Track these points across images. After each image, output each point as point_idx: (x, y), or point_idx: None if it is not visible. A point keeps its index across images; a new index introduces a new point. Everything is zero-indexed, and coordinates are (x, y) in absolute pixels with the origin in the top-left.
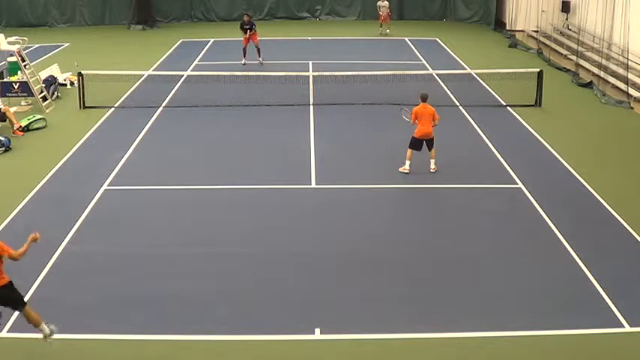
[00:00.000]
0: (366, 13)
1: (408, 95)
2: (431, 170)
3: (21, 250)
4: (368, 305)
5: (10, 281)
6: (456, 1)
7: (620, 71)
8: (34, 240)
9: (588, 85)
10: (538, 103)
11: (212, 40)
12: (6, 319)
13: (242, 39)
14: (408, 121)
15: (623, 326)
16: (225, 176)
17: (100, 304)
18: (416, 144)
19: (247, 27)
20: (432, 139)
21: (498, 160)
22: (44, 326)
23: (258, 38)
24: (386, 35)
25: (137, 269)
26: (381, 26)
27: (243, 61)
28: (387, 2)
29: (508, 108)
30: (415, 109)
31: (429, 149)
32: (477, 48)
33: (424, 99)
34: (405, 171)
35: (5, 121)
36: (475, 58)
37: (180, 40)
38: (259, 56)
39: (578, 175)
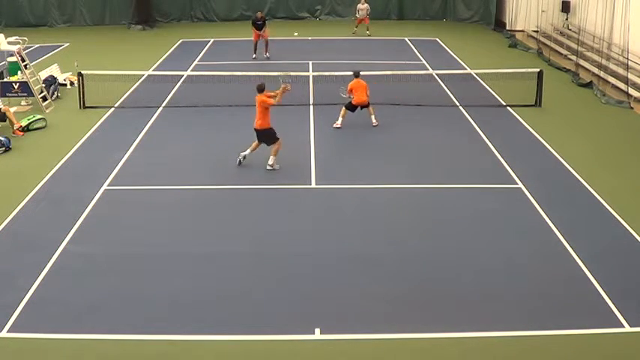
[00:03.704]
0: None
1: (408, 95)
2: (373, 125)
3: (277, 98)
4: (368, 305)
5: (271, 127)
6: (456, 1)
7: (620, 71)
8: (285, 91)
9: (588, 85)
10: (538, 103)
11: (212, 40)
12: None
13: (252, 34)
14: (345, 95)
15: (623, 326)
16: (225, 176)
17: (100, 304)
18: (352, 108)
19: (259, 23)
20: (367, 104)
21: (498, 160)
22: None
23: (268, 35)
24: (368, 36)
25: (137, 269)
26: (356, 27)
27: (253, 56)
28: (367, 5)
29: (508, 108)
30: (350, 84)
31: (363, 108)
32: (477, 48)
33: (357, 75)
34: (338, 126)
35: (5, 121)
36: (475, 58)
37: (180, 40)
38: (266, 51)
39: (578, 175)
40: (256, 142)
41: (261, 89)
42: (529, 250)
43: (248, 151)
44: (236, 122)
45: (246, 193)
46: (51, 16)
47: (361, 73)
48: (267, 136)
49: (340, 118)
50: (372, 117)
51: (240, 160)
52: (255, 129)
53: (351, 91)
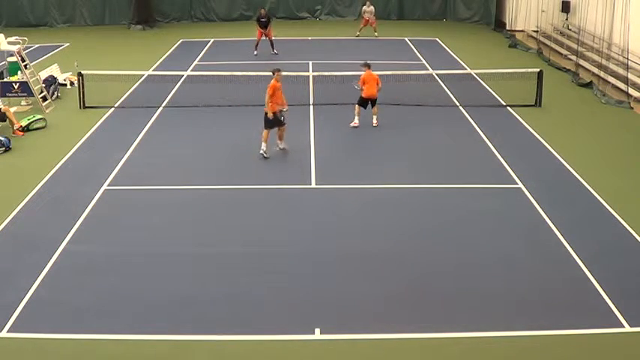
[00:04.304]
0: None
1: (408, 95)
2: (373, 125)
3: (269, 104)
4: (368, 305)
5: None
6: (456, 1)
7: (620, 71)
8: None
9: (588, 85)
10: (538, 103)
11: (212, 40)
12: None
13: (257, 32)
14: (358, 88)
15: (623, 326)
16: (225, 176)
17: (100, 304)
18: (363, 103)
19: (264, 20)
20: (376, 99)
21: (498, 160)
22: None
23: (272, 34)
24: (376, 37)
25: (137, 269)
26: (360, 30)
27: (255, 52)
28: (372, 7)
29: (508, 108)
30: (362, 76)
31: (372, 107)
32: (477, 48)
33: (369, 66)
34: (356, 125)
35: (5, 121)
36: (475, 58)
37: (180, 40)
38: (273, 49)
39: (578, 175)
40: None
41: (273, 72)
42: (529, 250)
43: (264, 145)
44: (236, 122)
45: (246, 193)
46: (51, 16)
47: (361, 73)
48: (275, 120)
49: (356, 117)
50: (374, 117)
51: (264, 155)
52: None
53: (363, 83)
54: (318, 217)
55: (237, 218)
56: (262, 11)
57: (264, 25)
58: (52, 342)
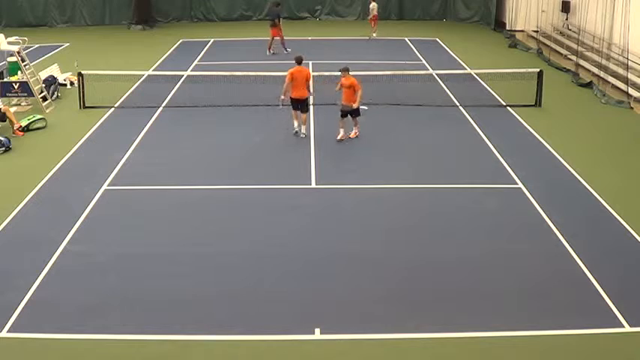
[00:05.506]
0: (366, 13)
1: (408, 95)
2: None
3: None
4: (368, 305)
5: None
6: (456, 1)
7: (620, 71)
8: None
9: (588, 85)
10: (538, 103)
11: (212, 40)
12: None
13: (271, 31)
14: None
15: (623, 326)
16: (226, 176)
17: (99, 304)
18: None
19: (280, 14)
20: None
21: (498, 160)
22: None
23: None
24: (373, 37)
25: (137, 269)
26: (372, 31)
27: (288, 50)
28: (375, 3)
29: (508, 108)
30: (354, 81)
31: (352, 116)
32: (477, 48)
33: (347, 70)
34: (344, 138)
35: (5, 121)
36: (475, 58)
37: (180, 40)
38: (270, 49)
39: (578, 175)
40: (294, 111)
41: (300, 61)
42: (529, 250)
43: (296, 123)
44: (236, 122)
45: (246, 193)
46: (51, 16)
47: (361, 73)
48: (306, 104)
49: (341, 130)
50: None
51: (297, 132)
52: (295, 98)
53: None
54: (318, 217)
55: (237, 218)
56: (279, 7)
57: (279, 22)
58: (53, 342)
